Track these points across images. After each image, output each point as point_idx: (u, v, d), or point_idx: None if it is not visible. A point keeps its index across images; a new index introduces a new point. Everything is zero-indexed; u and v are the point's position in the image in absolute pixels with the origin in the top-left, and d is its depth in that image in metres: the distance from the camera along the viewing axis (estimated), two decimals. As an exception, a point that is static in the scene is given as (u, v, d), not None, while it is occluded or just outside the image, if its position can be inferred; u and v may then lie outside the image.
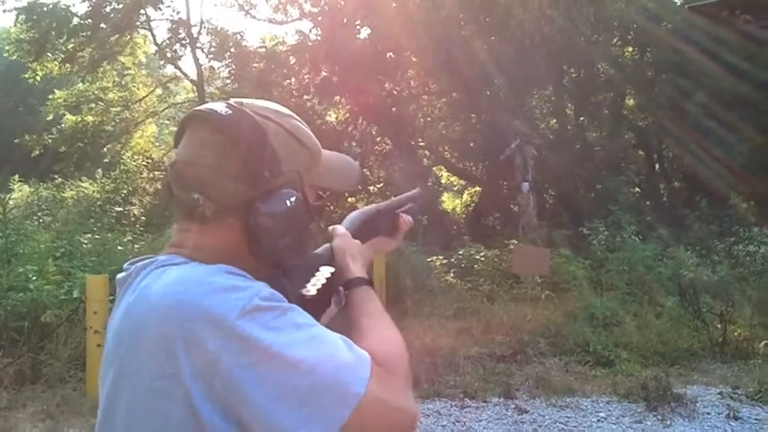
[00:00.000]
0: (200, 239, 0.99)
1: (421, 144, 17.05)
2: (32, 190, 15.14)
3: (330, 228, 1.27)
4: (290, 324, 0.89)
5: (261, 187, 0.97)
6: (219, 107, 1.01)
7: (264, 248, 0.97)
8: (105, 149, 18.16)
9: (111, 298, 3.64)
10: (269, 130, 1.00)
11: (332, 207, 14.50)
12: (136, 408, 0.90)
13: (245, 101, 1.04)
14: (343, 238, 1.23)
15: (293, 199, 0.99)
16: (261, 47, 17.06)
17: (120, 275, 1.02)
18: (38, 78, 17.11)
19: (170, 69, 19.19)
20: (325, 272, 1.14)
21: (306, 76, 16.28)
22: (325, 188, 1.16)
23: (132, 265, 1.01)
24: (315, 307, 1.06)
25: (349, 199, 15.27)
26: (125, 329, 0.93)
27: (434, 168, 18.18)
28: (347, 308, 1.11)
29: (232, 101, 1.04)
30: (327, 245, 1.23)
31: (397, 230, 1.48)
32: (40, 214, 12.61)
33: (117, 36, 16.67)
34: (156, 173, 16.42)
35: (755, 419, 5.17)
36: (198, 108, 1.03)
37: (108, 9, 16.10)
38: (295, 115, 1.08)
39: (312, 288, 1.09)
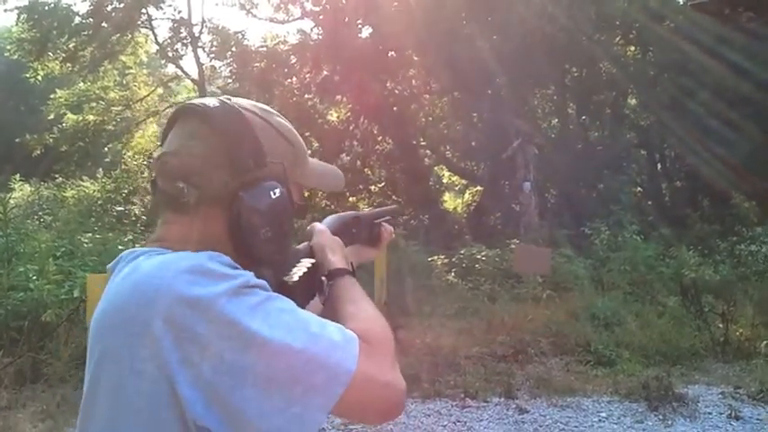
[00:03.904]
0: (182, 231, 1.00)
1: (422, 143, 17.05)
2: (33, 189, 15.14)
3: (310, 225, 1.29)
4: (277, 308, 0.90)
5: (244, 177, 0.98)
6: (210, 101, 1.03)
7: (244, 239, 0.98)
8: (106, 149, 18.19)
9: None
10: (255, 124, 1.02)
11: (332, 206, 14.49)
12: (119, 389, 0.89)
13: (234, 99, 1.07)
14: (322, 234, 1.26)
15: (277, 191, 1.00)
16: (262, 46, 17.05)
17: (111, 264, 1.03)
18: (39, 78, 17.14)
19: (171, 69, 19.20)
20: (306, 262, 1.16)
21: (307, 75, 16.27)
22: (311, 188, 1.19)
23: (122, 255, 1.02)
24: (298, 294, 1.07)
25: (350, 198, 15.26)
26: (110, 311, 0.93)
27: (436, 168, 18.17)
28: (331, 298, 1.12)
29: (223, 97, 1.05)
30: (306, 243, 1.25)
31: (378, 240, 1.51)
32: (40, 214, 12.63)
33: (118, 35, 16.67)
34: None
35: (757, 419, 5.16)
36: (190, 101, 1.05)
37: (109, 8, 16.13)
38: (281, 115, 1.10)
39: (294, 275, 1.11)
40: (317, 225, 1.29)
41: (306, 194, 1.17)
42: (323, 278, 1.16)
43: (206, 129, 0.99)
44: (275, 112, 1.10)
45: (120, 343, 0.89)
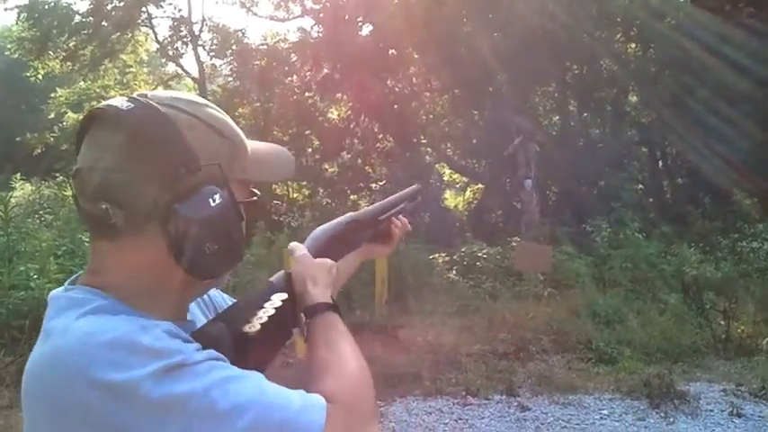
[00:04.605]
0: (117, 260, 0.88)
1: (423, 141, 17.03)
2: (34, 188, 15.17)
3: (289, 246, 1.16)
4: (221, 378, 0.80)
5: (177, 187, 0.85)
6: (120, 102, 0.89)
7: (190, 257, 0.86)
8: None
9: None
10: (180, 122, 0.88)
11: (333, 204, 14.49)
12: None
13: (150, 93, 0.93)
14: (302, 261, 1.11)
15: (217, 197, 0.87)
16: (262, 44, 17.06)
17: (51, 295, 0.92)
18: (39, 77, 17.17)
19: (172, 67, 19.25)
20: (275, 300, 1.02)
21: (308, 74, 16.27)
22: (255, 182, 1.01)
23: (61, 294, 0.90)
24: (264, 344, 0.97)
25: (351, 196, 15.25)
26: (31, 379, 0.85)
27: (437, 166, 18.15)
28: (308, 338, 1.00)
29: (136, 94, 0.91)
30: (283, 272, 1.11)
31: (390, 237, 1.37)
32: (41, 213, 12.63)
33: (118, 34, 16.71)
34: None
35: (759, 416, 5.15)
36: (96, 106, 0.91)
37: (109, 7, 16.15)
38: (211, 104, 0.96)
39: (256, 323, 0.97)
40: (297, 250, 1.13)
41: (254, 190, 1.01)
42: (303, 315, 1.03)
43: (121, 136, 0.85)
44: (205, 102, 0.95)
45: (43, 416, 0.82)
